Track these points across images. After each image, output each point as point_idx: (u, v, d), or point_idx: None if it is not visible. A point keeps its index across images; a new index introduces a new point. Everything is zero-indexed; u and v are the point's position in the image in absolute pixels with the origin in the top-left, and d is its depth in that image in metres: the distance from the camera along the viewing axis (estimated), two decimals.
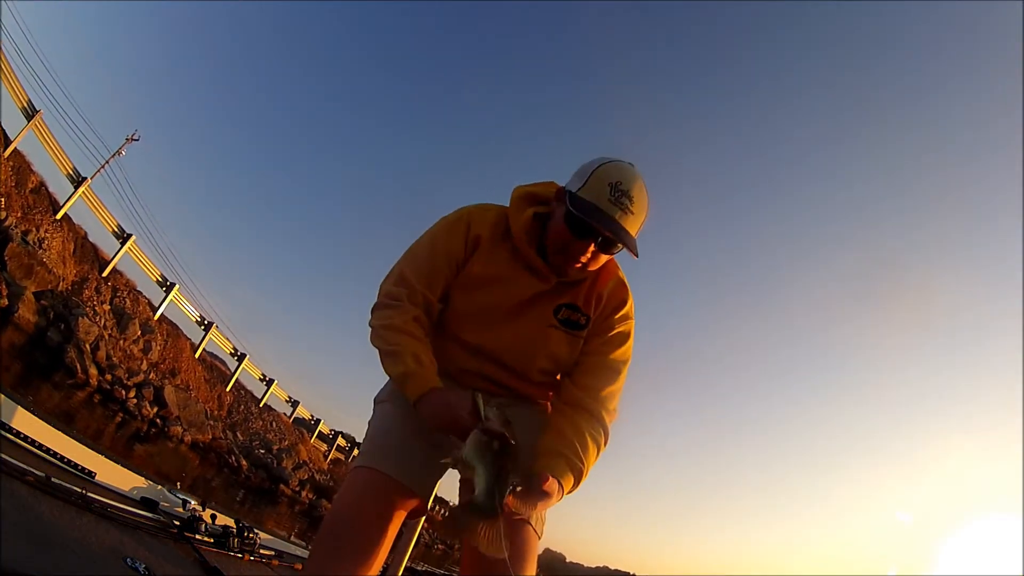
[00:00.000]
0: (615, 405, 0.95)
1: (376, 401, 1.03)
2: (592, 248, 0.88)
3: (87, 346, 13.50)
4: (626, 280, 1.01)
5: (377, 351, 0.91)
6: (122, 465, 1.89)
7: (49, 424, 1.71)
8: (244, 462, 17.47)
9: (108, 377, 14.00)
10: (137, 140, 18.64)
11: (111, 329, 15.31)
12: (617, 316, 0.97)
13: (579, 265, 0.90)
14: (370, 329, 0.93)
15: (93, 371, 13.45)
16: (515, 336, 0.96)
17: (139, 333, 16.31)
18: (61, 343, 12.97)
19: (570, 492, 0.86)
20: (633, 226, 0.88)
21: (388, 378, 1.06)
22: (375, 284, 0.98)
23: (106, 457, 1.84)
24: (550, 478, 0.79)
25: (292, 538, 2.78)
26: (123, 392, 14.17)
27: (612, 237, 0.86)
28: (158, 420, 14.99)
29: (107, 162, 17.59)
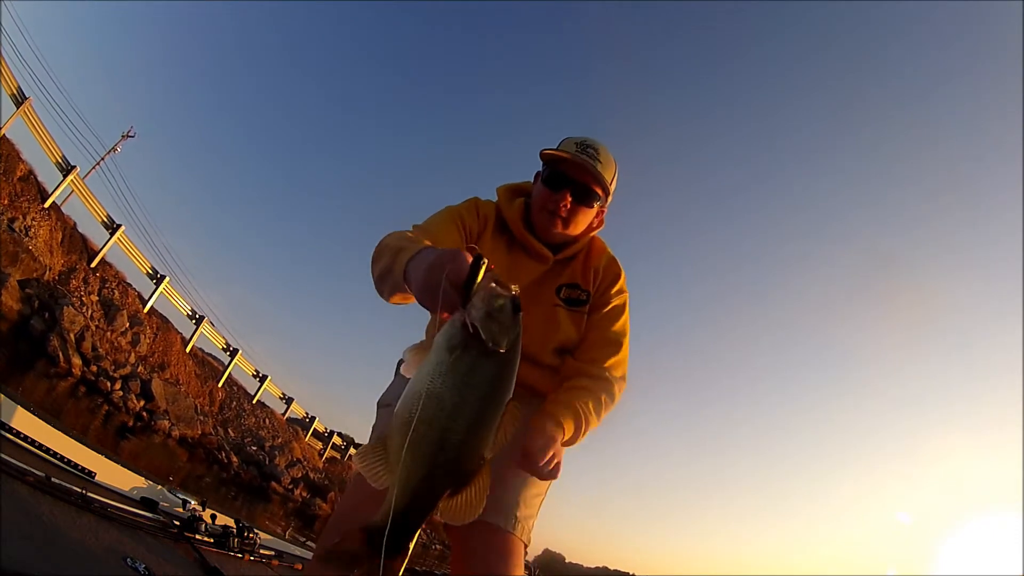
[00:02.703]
0: (622, 373, 0.96)
1: (379, 405, 1.04)
2: (569, 199, 0.95)
3: (71, 336, 13.20)
4: (618, 261, 1.06)
5: (374, 278, 0.80)
6: (122, 465, 1.88)
7: (49, 424, 1.69)
8: (235, 459, 17.23)
9: (93, 368, 13.69)
10: (133, 137, 18.39)
11: (98, 320, 14.99)
12: (613, 290, 1.01)
13: (561, 220, 0.96)
14: (371, 270, 0.81)
15: (76, 360, 13.15)
16: (526, 321, 0.97)
17: (127, 325, 15.99)
18: (44, 332, 12.67)
19: (573, 439, 0.86)
20: (603, 171, 0.95)
21: (389, 381, 1.06)
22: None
23: (106, 457, 1.82)
24: (540, 428, 0.78)
25: (288, 535, 2.78)
26: (108, 384, 13.86)
27: (583, 179, 0.93)
28: (144, 414, 14.70)
29: (103, 158, 17.33)
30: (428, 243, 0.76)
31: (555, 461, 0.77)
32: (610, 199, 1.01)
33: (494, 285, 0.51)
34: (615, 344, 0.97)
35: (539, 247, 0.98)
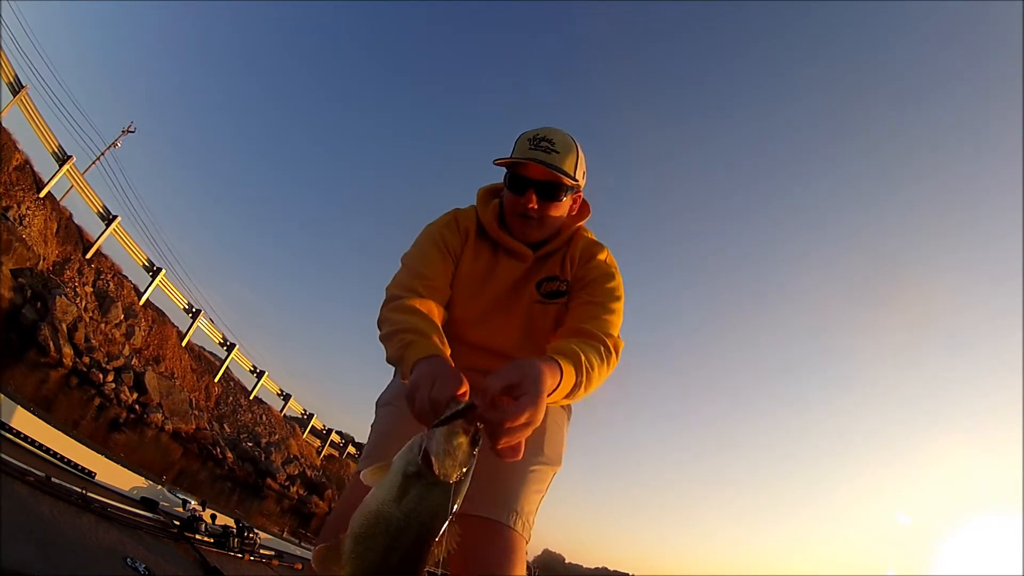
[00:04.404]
0: (610, 330, 0.88)
1: (378, 404, 1.04)
2: (535, 198, 0.93)
3: (63, 326, 13.07)
4: (599, 242, 1.03)
5: (383, 346, 0.84)
6: (122, 465, 1.87)
7: (50, 424, 1.68)
8: (230, 454, 17.12)
9: (86, 360, 13.57)
10: (133, 132, 18.30)
11: (92, 312, 14.85)
12: (591, 264, 0.98)
13: (534, 221, 0.94)
14: (378, 328, 0.88)
15: (68, 351, 13.01)
16: (509, 324, 0.98)
17: (122, 317, 15.85)
18: (36, 321, 12.54)
19: (575, 387, 0.73)
20: (561, 162, 0.93)
21: (388, 380, 1.07)
22: (374, 282, 0.97)
23: (106, 457, 1.81)
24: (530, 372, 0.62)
25: (285, 535, 2.77)
26: (100, 376, 13.72)
27: (543, 176, 0.91)
28: (137, 407, 14.57)
29: (103, 153, 17.19)
30: (432, 332, 0.78)
31: (520, 436, 0.59)
32: (583, 183, 0.99)
33: (460, 420, 0.56)
34: (601, 307, 0.91)
35: (517, 247, 0.97)
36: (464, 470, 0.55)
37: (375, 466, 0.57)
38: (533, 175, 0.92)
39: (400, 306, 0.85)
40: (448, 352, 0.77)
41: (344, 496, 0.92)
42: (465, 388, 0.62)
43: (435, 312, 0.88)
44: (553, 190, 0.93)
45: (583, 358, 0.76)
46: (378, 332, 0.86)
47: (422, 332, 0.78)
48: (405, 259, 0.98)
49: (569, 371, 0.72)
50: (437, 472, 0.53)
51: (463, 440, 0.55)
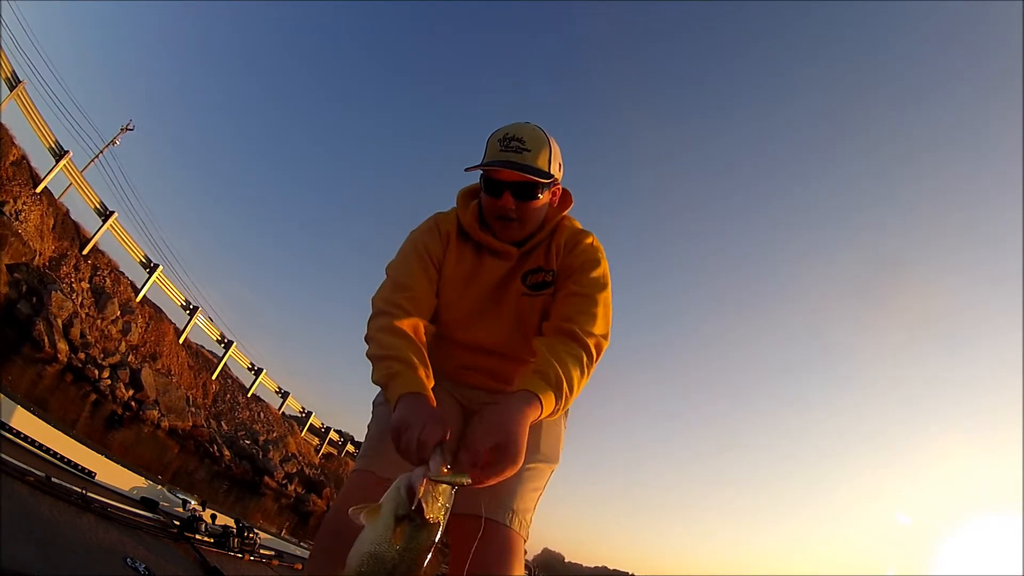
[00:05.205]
0: (594, 328, 0.88)
1: (374, 404, 1.05)
2: (511, 199, 0.92)
3: (58, 321, 12.99)
4: (585, 229, 1.03)
5: (370, 363, 0.86)
6: (122, 465, 1.87)
7: (50, 424, 1.68)
8: (227, 452, 17.08)
9: (81, 356, 13.49)
10: (132, 130, 18.25)
11: (88, 308, 14.78)
12: (577, 250, 0.97)
13: (514, 221, 0.94)
14: (366, 344, 0.90)
15: (62, 346, 12.93)
16: (499, 321, 0.99)
17: (118, 313, 15.78)
18: (31, 316, 12.46)
19: (556, 409, 0.79)
20: (534, 160, 0.92)
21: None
22: (373, 282, 0.98)
23: (106, 457, 1.81)
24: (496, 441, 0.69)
25: (284, 534, 2.78)
26: (96, 372, 13.65)
27: (516, 177, 0.90)
28: (133, 403, 14.50)
29: (102, 151, 17.10)
30: (418, 364, 0.81)
31: (497, 478, 0.68)
32: (559, 175, 0.98)
33: (444, 469, 0.65)
34: (586, 298, 0.91)
35: (499, 245, 0.97)
36: (447, 507, 0.64)
37: (367, 508, 0.65)
38: (506, 177, 0.92)
39: (387, 327, 0.87)
40: (432, 384, 0.81)
41: (341, 496, 0.93)
42: (447, 435, 0.69)
43: (420, 329, 0.91)
44: (529, 189, 0.92)
45: (564, 383, 0.80)
46: (366, 347, 0.88)
47: (408, 363, 0.81)
48: (389, 269, 0.99)
49: (549, 401, 0.78)
50: (428, 517, 0.61)
51: (445, 485, 0.65)
